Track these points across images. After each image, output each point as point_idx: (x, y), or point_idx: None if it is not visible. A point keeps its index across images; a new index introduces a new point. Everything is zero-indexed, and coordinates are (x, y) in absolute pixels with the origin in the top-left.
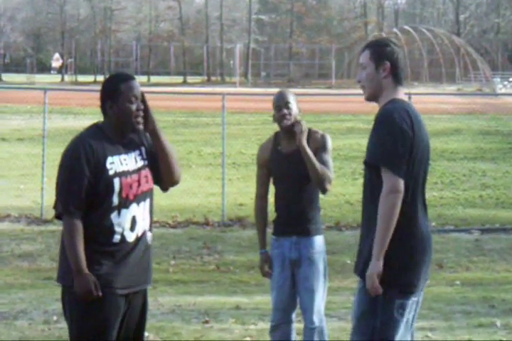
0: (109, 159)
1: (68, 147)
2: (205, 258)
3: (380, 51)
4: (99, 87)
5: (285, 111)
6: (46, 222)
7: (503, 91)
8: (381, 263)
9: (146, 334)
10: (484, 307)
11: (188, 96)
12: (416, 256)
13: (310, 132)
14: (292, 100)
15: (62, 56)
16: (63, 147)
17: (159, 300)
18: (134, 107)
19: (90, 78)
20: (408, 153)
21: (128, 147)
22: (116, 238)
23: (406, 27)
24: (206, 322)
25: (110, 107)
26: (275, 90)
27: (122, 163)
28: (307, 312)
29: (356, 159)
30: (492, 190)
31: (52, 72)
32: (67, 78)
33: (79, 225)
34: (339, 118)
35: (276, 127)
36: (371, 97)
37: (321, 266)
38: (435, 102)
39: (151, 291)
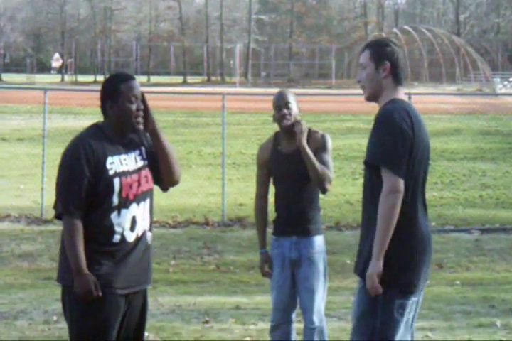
0: (109, 159)
1: (68, 147)
2: (205, 258)
3: (380, 51)
4: (99, 87)
5: (285, 111)
6: (46, 222)
7: (503, 91)
8: (381, 263)
9: (146, 334)
10: (484, 307)
11: (188, 96)
12: (416, 256)
13: (310, 132)
14: (292, 100)
15: (62, 56)
16: (63, 147)
17: (159, 300)
18: (134, 107)
19: (90, 78)
20: (408, 153)
21: (128, 147)
22: (116, 238)
23: (406, 27)
24: (206, 322)
25: (110, 107)
26: (275, 90)
27: (122, 163)
28: (307, 312)
29: (356, 159)
30: (492, 190)
31: (52, 72)
32: (67, 78)
33: (79, 225)
34: (339, 119)
35: (276, 127)
36: (371, 97)
37: (321, 266)
38: (435, 102)
39: (151, 291)
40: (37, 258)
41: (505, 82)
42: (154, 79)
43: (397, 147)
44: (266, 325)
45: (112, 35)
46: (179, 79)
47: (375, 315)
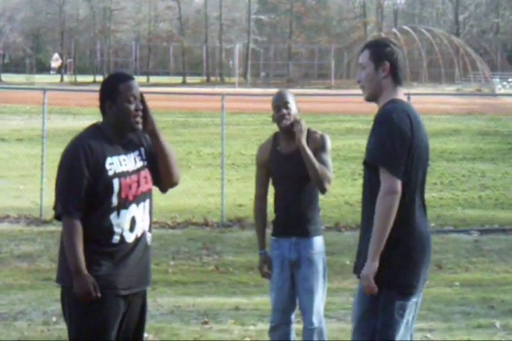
0: (109, 160)
1: (67, 147)
2: (205, 259)
3: (380, 51)
4: (98, 88)
5: (284, 111)
6: (45, 222)
7: (502, 91)
8: (377, 263)
9: (145, 335)
10: (483, 308)
11: (188, 97)
12: (415, 256)
13: (309, 132)
14: (291, 100)
15: (61, 56)
16: (62, 147)
17: (158, 301)
18: (132, 107)
19: (89, 78)
20: (406, 154)
21: (127, 148)
22: (116, 239)
23: (405, 27)
24: (205, 322)
25: (109, 107)
26: (274, 90)
27: (122, 163)
28: (306, 313)
29: (355, 160)
30: (491, 190)
31: (51, 72)
32: (66, 78)
33: (78, 226)
34: (338, 119)
35: (275, 127)
36: (371, 97)
37: (320, 266)
38: (434, 102)
39: (150, 292)
40: (36, 258)
41: (505, 83)
42: (153, 79)
43: (395, 147)
44: (265, 326)
45: (111, 36)
46: (178, 79)
47: (375, 316)
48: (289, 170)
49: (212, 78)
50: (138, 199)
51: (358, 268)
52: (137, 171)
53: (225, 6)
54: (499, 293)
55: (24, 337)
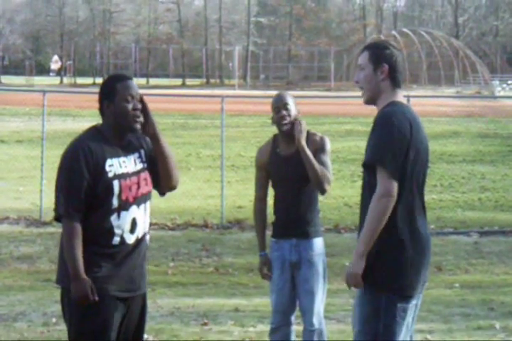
0: (109, 161)
1: (67, 149)
2: (204, 261)
3: (379, 53)
4: (98, 90)
5: (284, 112)
6: (45, 224)
7: (502, 93)
8: (364, 262)
9: (145, 336)
10: (483, 309)
11: (187, 99)
12: (415, 258)
13: (309, 134)
14: (291, 102)
15: (61, 58)
16: (62, 149)
17: (158, 303)
18: (130, 106)
19: (89, 80)
20: (405, 156)
21: (127, 149)
22: (116, 240)
23: (405, 29)
24: (205, 324)
25: (107, 107)
26: (274, 93)
27: (121, 165)
28: (307, 315)
29: (355, 161)
30: (491, 192)
31: (51, 74)
32: (66, 80)
33: (78, 228)
34: (338, 121)
35: (275, 129)
36: (370, 100)
37: (320, 268)
38: (434, 105)
39: (150, 293)
40: (36, 260)
41: (504, 85)
42: (153, 81)
43: (394, 149)
44: (265, 327)
45: (111, 38)
46: (178, 81)
47: (378, 319)
48: (288, 172)
49: (212, 80)
50: (138, 200)
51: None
52: (137, 173)
53: (224, 8)
54: (499, 294)
55: (24, 338)
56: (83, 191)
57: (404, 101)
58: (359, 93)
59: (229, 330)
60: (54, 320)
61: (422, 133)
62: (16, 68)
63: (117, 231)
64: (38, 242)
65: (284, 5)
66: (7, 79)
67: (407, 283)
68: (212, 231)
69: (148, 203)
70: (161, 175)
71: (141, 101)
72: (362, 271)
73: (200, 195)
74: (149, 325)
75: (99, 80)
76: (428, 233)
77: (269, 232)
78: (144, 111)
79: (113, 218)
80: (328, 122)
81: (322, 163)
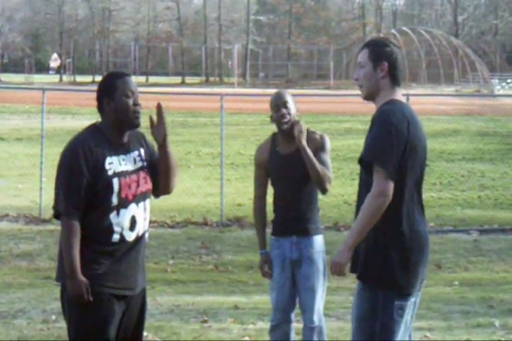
0: (108, 159)
1: (67, 147)
2: (204, 258)
3: (379, 51)
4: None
5: (284, 110)
6: (44, 221)
7: (501, 92)
8: (350, 254)
9: (144, 333)
10: (483, 307)
11: (187, 97)
12: (413, 256)
13: (308, 133)
14: (290, 100)
15: (60, 56)
16: (61, 147)
17: (158, 300)
18: (130, 102)
19: (88, 78)
20: (403, 154)
21: (127, 148)
22: (115, 237)
23: (404, 28)
24: (205, 321)
25: (107, 104)
26: (273, 91)
27: (121, 163)
28: (307, 312)
29: (354, 160)
30: (490, 190)
31: (50, 72)
32: (65, 78)
33: (76, 226)
34: (337, 119)
35: (274, 128)
36: (368, 97)
37: (320, 265)
38: (433, 103)
39: (150, 291)
40: (35, 257)
41: (503, 83)
42: (152, 79)
43: (392, 147)
44: (264, 325)
45: (110, 36)
46: (177, 79)
47: (375, 317)
48: (288, 170)
49: (212, 78)
50: (138, 198)
51: (356, 269)
52: (137, 171)
53: (224, 6)
54: (498, 292)
55: (23, 336)
56: (83, 189)
57: (403, 99)
58: (358, 91)
59: (228, 328)
60: (54, 317)
61: (421, 132)
62: (15, 66)
63: (116, 228)
64: (38, 240)
65: (284, 3)
66: (6, 77)
67: (405, 280)
68: (211, 229)
69: (147, 201)
70: (160, 182)
71: (159, 108)
72: (346, 262)
73: (199, 192)
74: (149, 322)
75: (99, 78)
76: (426, 231)
77: (268, 230)
78: (160, 119)
79: (112, 216)
80: (328, 120)
81: (322, 162)
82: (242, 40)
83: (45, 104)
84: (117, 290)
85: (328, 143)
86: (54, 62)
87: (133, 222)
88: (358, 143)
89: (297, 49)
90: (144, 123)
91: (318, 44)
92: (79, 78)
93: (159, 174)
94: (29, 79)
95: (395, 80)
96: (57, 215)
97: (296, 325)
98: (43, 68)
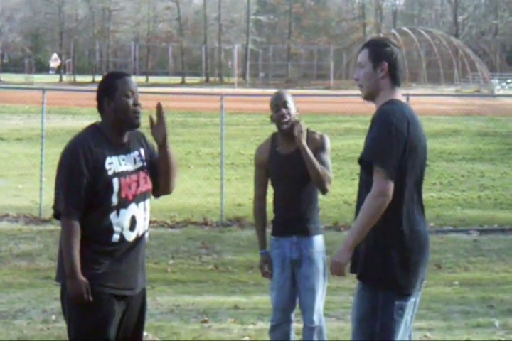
0: (108, 159)
1: (66, 147)
2: (204, 258)
3: (379, 51)
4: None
5: (284, 110)
6: (44, 221)
7: (501, 92)
8: (350, 254)
9: (144, 333)
10: (483, 307)
11: (187, 97)
12: (413, 256)
13: (308, 133)
14: (290, 100)
15: (60, 56)
16: (61, 147)
17: (158, 300)
18: (131, 102)
19: (88, 78)
20: (402, 155)
21: (127, 148)
22: (116, 237)
23: (404, 28)
24: (205, 321)
25: (107, 104)
26: (273, 91)
27: (121, 163)
28: (307, 312)
29: (354, 160)
30: (490, 190)
31: (50, 72)
32: (65, 78)
33: (76, 227)
34: (337, 119)
35: (274, 128)
36: (368, 97)
37: (321, 265)
38: (433, 103)
39: (150, 291)
40: (35, 257)
41: (503, 83)
42: (152, 79)
43: (392, 147)
44: (264, 325)
45: (110, 36)
46: (177, 79)
47: (375, 317)
48: (288, 171)
49: (212, 78)
50: (138, 198)
51: (355, 269)
52: (137, 171)
53: (224, 6)
54: (498, 292)
55: (23, 336)
56: (83, 189)
57: (403, 99)
58: (358, 91)
59: (229, 328)
60: (54, 317)
61: (421, 132)
62: (15, 66)
63: (116, 228)
64: (38, 240)
65: (284, 3)
66: (6, 77)
67: (405, 280)
68: (211, 229)
69: (147, 201)
70: (160, 182)
71: (159, 108)
72: (346, 262)
73: (199, 192)
74: (149, 322)
75: (99, 78)
76: (426, 231)
77: (268, 230)
78: (160, 120)
79: (112, 216)
80: (328, 120)
81: (322, 162)
82: (242, 40)
83: (45, 104)
84: (117, 290)
85: (328, 143)
86: (54, 62)
87: (133, 222)
88: (358, 143)
89: (297, 49)
90: (144, 123)
91: (318, 44)
92: (79, 78)
93: (159, 174)
94: (29, 79)
95: (395, 80)
96: (57, 215)
97: (296, 325)
98: (43, 68)
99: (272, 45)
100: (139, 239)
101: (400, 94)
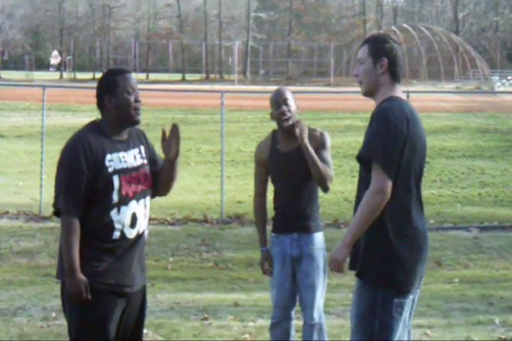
0: (108, 156)
1: (66, 145)
2: (204, 255)
3: (379, 47)
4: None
5: (284, 107)
6: (45, 218)
7: (502, 89)
8: (348, 251)
9: (145, 331)
10: (483, 304)
11: (187, 94)
12: (412, 254)
13: (309, 130)
14: (290, 97)
15: (60, 53)
16: (62, 144)
17: (158, 297)
18: (132, 98)
19: (89, 75)
20: (401, 152)
21: (127, 145)
22: (116, 234)
23: (404, 25)
24: (205, 319)
25: (109, 100)
26: (274, 88)
27: (121, 160)
28: (307, 309)
29: (355, 157)
30: (490, 187)
31: (50, 69)
32: (65, 75)
33: (76, 224)
34: (338, 116)
35: (274, 125)
36: (368, 93)
37: (321, 262)
38: (434, 100)
39: (150, 288)
40: (36, 254)
41: (504, 80)
42: (153, 76)
43: (390, 145)
44: (265, 322)
45: (111, 33)
46: (178, 76)
47: (374, 315)
48: (289, 168)
49: (212, 75)
50: (138, 196)
51: (355, 266)
52: (137, 168)
53: (224, 3)
54: (498, 289)
55: (24, 333)
56: (82, 187)
57: (402, 96)
58: (359, 88)
59: (229, 325)
60: (54, 314)
61: (420, 129)
62: (15, 63)
63: (117, 225)
64: (38, 237)
65: (284, 0)
66: (7, 74)
67: (404, 278)
68: (211, 226)
69: (148, 198)
70: (159, 186)
71: (175, 129)
72: (344, 259)
73: (199, 189)
74: (149, 319)
75: (99, 75)
76: (425, 228)
77: (269, 227)
78: (176, 139)
79: (113, 213)
80: (328, 117)
81: (323, 160)
82: (242, 37)
83: (45, 101)
84: (117, 287)
85: (329, 141)
86: (54, 59)
87: (134, 219)
88: (358, 140)
89: (297, 46)
90: (144, 120)
91: (318, 41)
92: (79, 75)
93: (159, 182)
94: (29, 77)
95: (394, 77)
96: (57, 213)
97: (296, 322)
98: (43, 65)
99: (273, 42)
100: (140, 236)
101: (399, 91)
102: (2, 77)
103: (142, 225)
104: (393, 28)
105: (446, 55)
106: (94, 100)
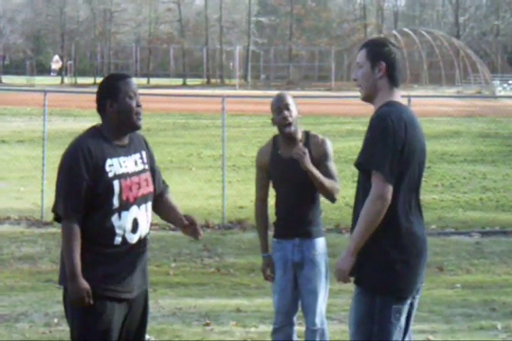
0: (109, 161)
1: (67, 150)
2: (206, 261)
3: (377, 51)
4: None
5: (286, 113)
6: (46, 224)
7: (503, 93)
8: (353, 259)
9: (147, 336)
10: (485, 310)
11: (188, 99)
12: (411, 260)
13: (309, 136)
14: (292, 102)
15: (61, 58)
16: (63, 149)
17: (160, 303)
18: (134, 103)
19: (90, 80)
20: (399, 158)
21: (127, 150)
22: (118, 240)
23: (405, 29)
24: (207, 324)
25: (110, 105)
26: (275, 92)
27: (122, 165)
28: (309, 314)
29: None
30: (492, 192)
31: (51, 74)
32: (66, 80)
33: (76, 230)
34: (339, 121)
35: (276, 130)
36: (367, 98)
37: (323, 267)
38: (435, 105)
39: (152, 294)
40: (37, 260)
41: (505, 85)
42: (154, 81)
43: (389, 152)
44: (267, 328)
45: (112, 37)
46: (179, 81)
47: (372, 321)
48: (290, 174)
49: (213, 80)
50: (139, 201)
51: (353, 273)
52: (138, 173)
53: (225, 8)
54: (500, 294)
55: (25, 339)
56: (83, 192)
57: (401, 100)
58: (359, 93)
59: (231, 331)
60: (56, 320)
61: (419, 134)
62: (16, 68)
63: (118, 231)
64: (40, 242)
65: (285, 5)
66: (8, 79)
67: (403, 284)
68: (213, 232)
69: (149, 203)
70: (157, 212)
71: (192, 221)
72: (349, 268)
73: (201, 195)
74: (151, 325)
75: (100, 80)
76: (425, 234)
77: (270, 232)
78: (194, 225)
79: (114, 218)
80: (329, 122)
81: (328, 171)
82: (243, 42)
83: (46, 106)
84: (119, 293)
85: (331, 148)
86: (55, 63)
87: (135, 225)
88: (359, 145)
89: (298, 50)
90: (145, 125)
91: (319, 45)
92: (80, 80)
93: (159, 213)
94: (30, 81)
95: (393, 81)
96: (57, 218)
97: (299, 328)
98: (44, 70)
99: (273, 46)
100: (141, 241)
101: (398, 96)
102: (3, 82)
103: (144, 230)
104: (394, 32)
105: (447, 59)
106: (95, 105)
